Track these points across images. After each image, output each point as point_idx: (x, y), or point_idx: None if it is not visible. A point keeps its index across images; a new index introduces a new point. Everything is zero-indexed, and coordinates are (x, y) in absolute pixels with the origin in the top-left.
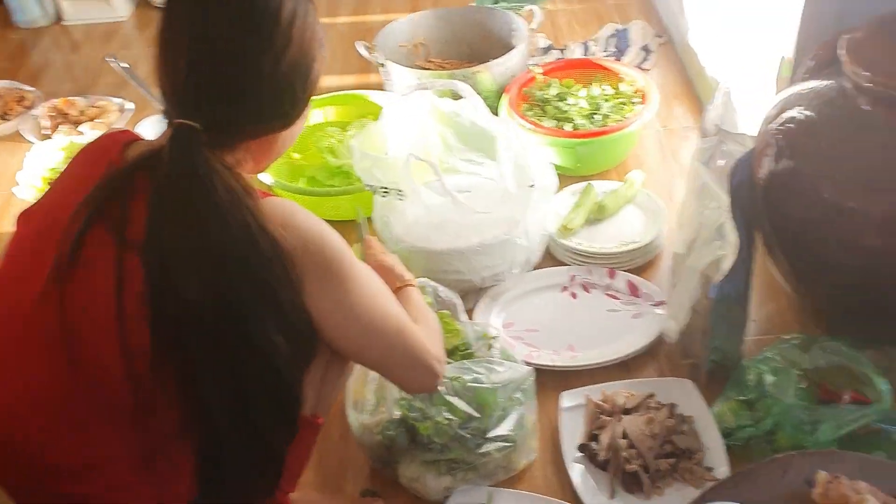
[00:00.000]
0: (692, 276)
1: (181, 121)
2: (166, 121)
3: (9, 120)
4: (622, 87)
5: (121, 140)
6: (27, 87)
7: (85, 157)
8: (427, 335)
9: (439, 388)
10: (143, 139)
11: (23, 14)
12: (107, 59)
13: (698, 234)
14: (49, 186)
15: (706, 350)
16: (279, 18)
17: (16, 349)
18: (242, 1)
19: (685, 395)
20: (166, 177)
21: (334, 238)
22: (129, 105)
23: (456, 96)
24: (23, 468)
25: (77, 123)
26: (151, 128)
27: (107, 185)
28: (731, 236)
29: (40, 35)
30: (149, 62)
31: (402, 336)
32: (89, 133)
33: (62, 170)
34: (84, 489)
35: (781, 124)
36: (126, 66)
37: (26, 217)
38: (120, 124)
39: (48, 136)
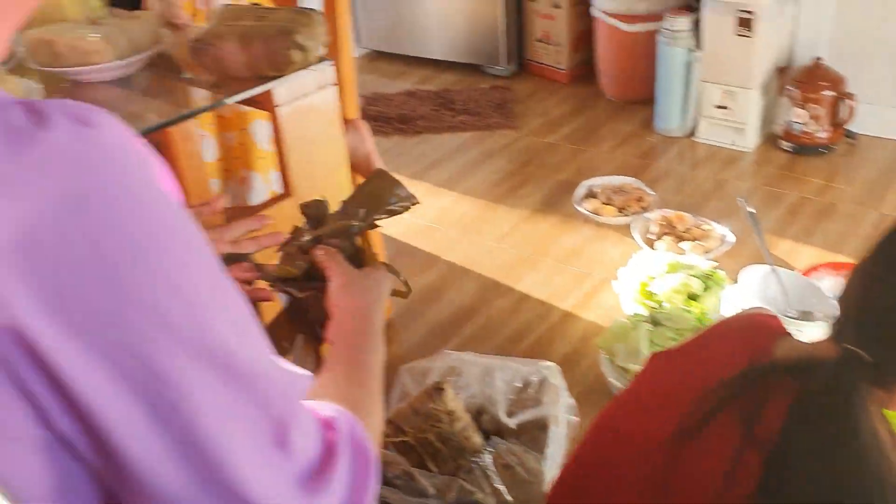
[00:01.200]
0: None
1: (854, 348)
2: (837, 338)
3: (626, 214)
4: None
5: (771, 329)
6: (648, 190)
7: (729, 332)
8: None
9: None
10: (793, 337)
11: (664, 122)
12: (738, 200)
13: None
14: (693, 339)
15: None
16: None
17: (620, 484)
18: None
19: None
20: (818, 397)
21: None
22: (731, 237)
23: None
24: None
25: (680, 239)
26: (754, 279)
27: (750, 375)
28: None
29: (671, 144)
30: (758, 198)
31: None
32: (689, 252)
33: (705, 332)
34: None
35: None
36: (752, 211)
37: (665, 358)
38: (719, 252)
39: (650, 241)
